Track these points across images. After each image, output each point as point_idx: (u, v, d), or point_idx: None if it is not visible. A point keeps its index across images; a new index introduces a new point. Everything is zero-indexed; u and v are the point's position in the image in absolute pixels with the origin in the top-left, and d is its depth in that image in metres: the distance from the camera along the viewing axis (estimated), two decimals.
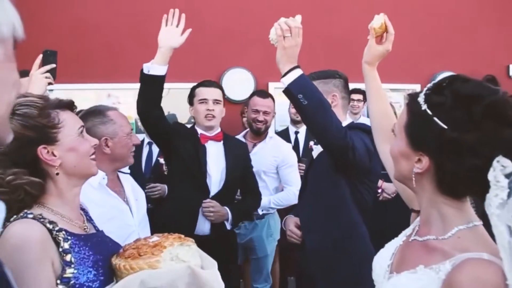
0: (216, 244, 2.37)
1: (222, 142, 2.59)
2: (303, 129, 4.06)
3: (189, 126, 2.79)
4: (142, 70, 2.18)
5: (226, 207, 2.51)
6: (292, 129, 4.04)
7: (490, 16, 4.82)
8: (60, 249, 1.08)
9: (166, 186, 2.89)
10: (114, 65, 4.18)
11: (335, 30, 4.44)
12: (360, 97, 3.93)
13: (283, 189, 3.13)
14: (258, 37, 4.43)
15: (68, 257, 1.09)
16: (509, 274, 0.87)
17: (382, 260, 1.14)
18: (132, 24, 4.20)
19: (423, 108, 0.99)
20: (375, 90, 1.51)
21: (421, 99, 1.00)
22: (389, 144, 1.32)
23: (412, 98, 1.04)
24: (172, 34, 2.20)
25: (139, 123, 4.23)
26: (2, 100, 0.55)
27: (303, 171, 3.22)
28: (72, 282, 1.08)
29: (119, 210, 1.79)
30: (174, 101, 4.33)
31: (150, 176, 3.19)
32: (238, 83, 4.31)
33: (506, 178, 0.87)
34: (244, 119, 3.63)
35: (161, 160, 3.23)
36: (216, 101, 2.52)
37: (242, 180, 2.65)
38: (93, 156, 1.25)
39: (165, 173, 3.11)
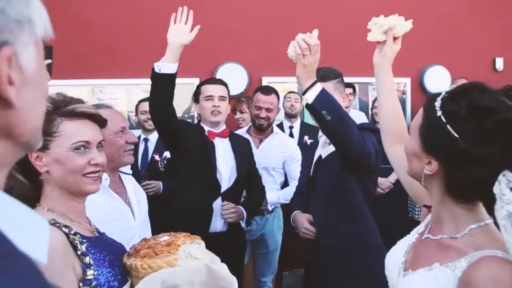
0: (229, 241, 2.46)
1: (228, 138, 2.63)
2: (297, 123, 4.10)
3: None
4: (153, 69, 2.19)
5: (241, 207, 2.57)
6: (286, 124, 4.06)
7: (477, 11, 4.91)
8: (79, 252, 1.08)
9: (161, 183, 2.89)
10: (107, 61, 4.15)
11: (330, 27, 4.48)
12: (351, 90, 4.00)
13: (289, 183, 3.15)
14: (252, 32, 4.47)
15: (87, 259, 1.09)
16: None
17: (395, 257, 1.17)
18: (125, 20, 4.17)
19: (438, 114, 1.01)
20: (389, 90, 1.51)
21: (437, 104, 1.02)
22: (398, 146, 1.37)
23: (429, 101, 1.06)
24: (181, 31, 2.22)
25: (132, 118, 4.25)
26: (39, 112, 0.54)
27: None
28: (94, 283, 1.08)
29: (120, 211, 1.77)
30: None
31: (145, 173, 3.19)
32: (232, 78, 4.32)
33: (508, 190, 0.89)
34: (236, 116, 3.64)
35: (156, 157, 3.23)
36: (221, 98, 2.55)
37: (248, 177, 2.70)
38: (93, 175, 1.18)
39: (161, 169, 3.12)
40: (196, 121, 3.29)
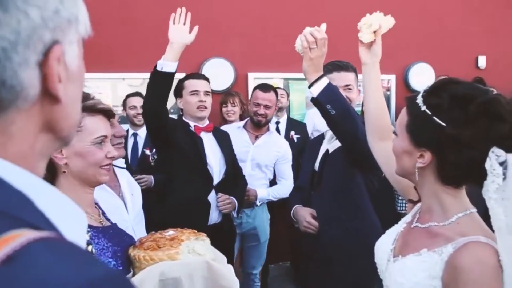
0: (223, 232, 2.52)
1: (211, 132, 2.67)
2: (284, 119, 4.12)
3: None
4: (155, 67, 2.22)
5: (233, 197, 2.63)
6: (273, 119, 4.07)
7: (461, 10, 4.99)
8: None
9: (152, 177, 2.89)
10: (92, 55, 4.09)
11: (317, 23, 4.50)
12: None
13: (277, 182, 3.20)
14: (238, 27, 4.46)
15: (89, 248, 1.10)
16: (503, 253, 0.99)
17: (385, 245, 1.25)
18: (110, 14, 4.13)
19: (422, 109, 1.08)
20: (376, 88, 1.54)
21: (419, 101, 1.10)
22: (383, 142, 1.45)
23: (411, 101, 1.14)
24: (181, 31, 2.26)
25: (118, 113, 4.21)
26: (78, 108, 0.57)
27: None
28: None
29: (113, 205, 1.76)
30: None
31: (137, 167, 3.18)
32: (218, 73, 4.32)
33: (500, 166, 0.99)
34: (224, 109, 3.64)
35: (147, 152, 3.22)
36: (206, 93, 2.59)
37: (233, 168, 2.76)
38: (107, 167, 1.26)
39: (152, 163, 3.11)
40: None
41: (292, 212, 2.29)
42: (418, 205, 1.26)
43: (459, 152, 1.04)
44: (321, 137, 2.29)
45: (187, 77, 2.65)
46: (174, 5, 4.25)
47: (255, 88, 3.18)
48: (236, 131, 3.15)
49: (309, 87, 1.80)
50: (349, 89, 2.10)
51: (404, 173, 1.20)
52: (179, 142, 2.47)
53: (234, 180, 2.75)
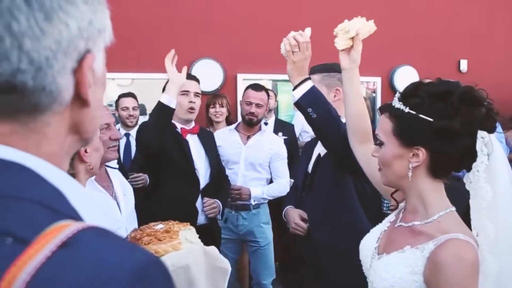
0: (209, 233, 2.48)
1: (196, 134, 2.66)
2: (271, 120, 4.16)
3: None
4: (160, 103, 2.32)
5: (217, 200, 2.62)
6: None
7: (444, 14, 5.12)
8: None
9: (147, 176, 2.90)
10: None
11: (305, 24, 4.57)
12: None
13: (273, 181, 3.17)
14: (228, 29, 4.51)
15: None
16: (482, 228, 1.12)
17: (369, 243, 1.31)
18: None
19: (406, 111, 1.14)
20: (356, 92, 1.57)
21: (399, 105, 1.16)
22: (364, 145, 1.50)
23: (389, 108, 1.20)
24: (176, 71, 2.38)
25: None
26: (101, 112, 0.61)
27: None
28: None
29: (106, 205, 1.78)
30: (141, 91, 4.33)
31: (132, 166, 3.18)
32: (207, 74, 4.35)
33: (485, 147, 1.11)
34: (211, 110, 3.66)
35: None
36: (196, 94, 2.58)
37: (217, 169, 2.74)
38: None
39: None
40: None
41: (283, 213, 2.29)
42: (401, 205, 1.32)
43: (453, 142, 1.11)
44: (316, 140, 2.34)
45: None
46: (163, 6, 4.30)
47: (247, 88, 3.17)
48: (228, 133, 3.15)
49: (293, 90, 1.83)
50: None
51: (392, 179, 1.23)
52: (168, 149, 2.46)
53: (218, 181, 2.74)
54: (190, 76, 2.66)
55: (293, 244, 2.36)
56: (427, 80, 1.20)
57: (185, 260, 1.17)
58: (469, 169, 1.14)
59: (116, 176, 1.93)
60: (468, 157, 1.13)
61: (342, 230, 2.02)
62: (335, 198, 2.05)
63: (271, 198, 3.13)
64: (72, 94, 0.53)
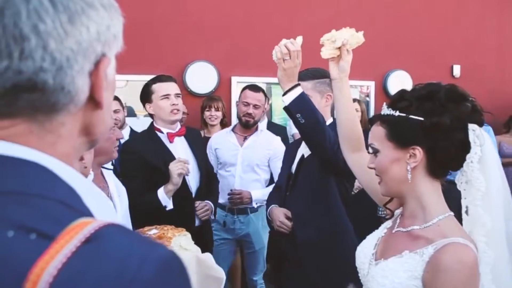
0: (202, 235, 2.47)
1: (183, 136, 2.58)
2: (264, 122, 4.12)
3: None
4: (158, 200, 2.31)
5: (209, 202, 2.58)
6: None
7: (437, 20, 5.16)
8: None
9: None
10: None
11: (299, 27, 4.58)
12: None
13: (274, 180, 3.06)
14: (222, 30, 4.51)
15: None
16: (477, 219, 1.15)
17: (366, 249, 1.30)
18: None
19: (396, 115, 1.18)
20: (347, 100, 1.57)
21: (389, 111, 1.20)
22: (356, 153, 1.51)
23: (380, 116, 1.23)
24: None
25: None
26: (110, 115, 0.62)
27: None
28: None
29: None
30: (135, 93, 4.31)
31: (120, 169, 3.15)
32: (201, 76, 4.35)
33: (477, 138, 1.15)
34: (207, 113, 3.65)
35: None
36: (177, 95, 2.49)
37: (206, 170, 2.68)
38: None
39: None
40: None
41: (268, 211, 2.34)
42: (397, 211, 1.32)
43: (446, 137, 1.15)
44: (299, 141, 2.38)
45: (154, 80, 2.52)
46: (157, 8, 4.29)
47: (244, 88, 3.14)
48: (225, 135, 3.13)
49: (283, 95, 1.88)
50: None
51: (393, 186, 1.23)
52: (156, 169, 2.38)
53: (208, 181, 2.67)
54: (167, 78, 2.54)
55: (279, 243, 2.41)
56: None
57: None
58: (462, 162, 1.18)
59: (111, 177, 1.94)
60: (463, 151, 1.17)
61: (325, 229, 2.08)
62: (318, 198, 2.11)
63: None
64: (87, 96, 0.54)
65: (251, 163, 3.06)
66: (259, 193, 3.03)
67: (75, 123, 0.55)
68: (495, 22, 5.41)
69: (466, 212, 1.20)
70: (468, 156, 1.16)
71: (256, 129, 3.14)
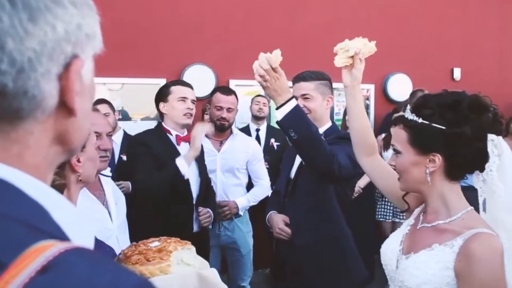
0: (202, 240, 2.48)
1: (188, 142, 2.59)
2: (264, 126, 4.13)
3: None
4: (176, 167, 2.35)
5: (208, 209, 2.59)
6: (253, 126, 4.09)
7: (437, 22, 5.13)
8: None
9: (129, 183, 2.84)
10: None
11: (297, 30, 4.55)
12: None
13: (254, 184, 3.12)
14: (219, 34, 4.47)
15: None
16: (500, 223, 1.23)
17: (392, 246, 1.37)
18: None
19: (420, 121, 1.23)
20: (360, 107, 1.60)
21: (412, 116, 1.25)
22: (370, 157, 1.57)
23: (402, 119, 1.29)
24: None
25: None
26: (88, 122, 0.57)
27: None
28: None
29: (97, 213, 1.75)
30: (131, 96, 4.27)
31: (114, 173, 3.12)
32: (199, 79, 4.31)
33: (495, 148, 1.23)
34: (206, 117, 3.62)
35: (124, 157, 3.17)
36: (193, 101, 2.56)
37: (205, 177, 2.69)
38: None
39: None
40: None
41: (267, 218, 2.33)
42: (418, 209, 1.40)
43: (466, 146, 1.21)
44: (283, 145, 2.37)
45: (174, 83, 2.61)
46: (154, 10, 4.25)
47: (215, 91, 3.08)
48: None
49: (276, 109, 1.83)
50: (306, 98, 2.13)
51: (412, 185, 1.32)
52: (166, 166, 2.39)
53: (207, 190, 2.69)
54: (187, 84, 2.64)
55: (279, 249, 2.41)
56: (426, 91, 1.24)
57: (173, 286, 1.08)
58: (482, 169, 1.25)
59: (109, 185, 1.88)
60: (481, 158, 1.24)
61: (323, 235, 2.09)
62: (316, 204, 2.11)
63: (256, 203, 3.08)
64: (57, 101, 0.49)
65: (231, 167, 3.02)
66: (244, 200, 3.01)
67: (45, 132, 0.50)
68: (495, 25, 5.39)
69: (484, 209, 1.29)
70: (487, 165, 1.24)
71: (231, 132, 3.09)
